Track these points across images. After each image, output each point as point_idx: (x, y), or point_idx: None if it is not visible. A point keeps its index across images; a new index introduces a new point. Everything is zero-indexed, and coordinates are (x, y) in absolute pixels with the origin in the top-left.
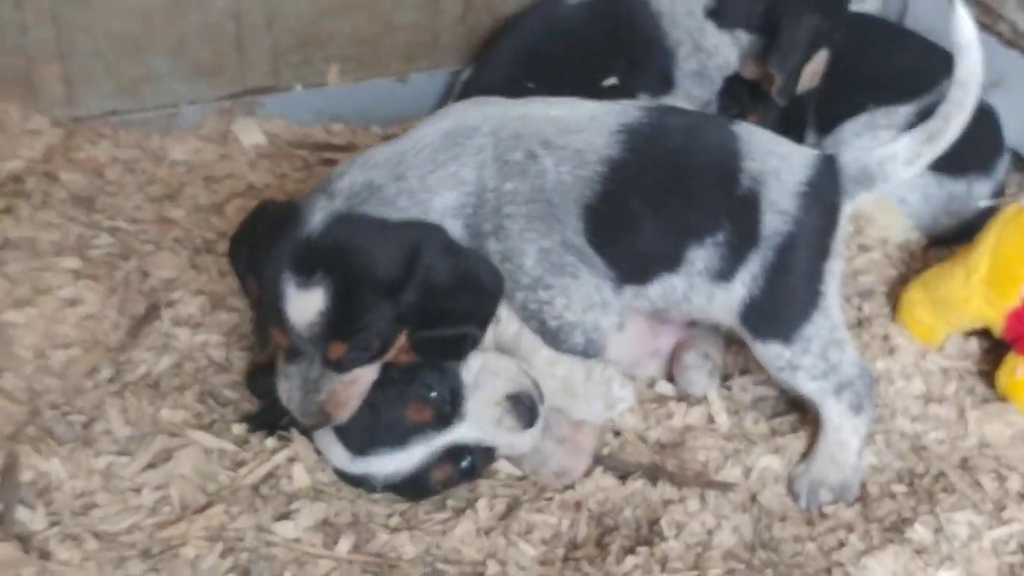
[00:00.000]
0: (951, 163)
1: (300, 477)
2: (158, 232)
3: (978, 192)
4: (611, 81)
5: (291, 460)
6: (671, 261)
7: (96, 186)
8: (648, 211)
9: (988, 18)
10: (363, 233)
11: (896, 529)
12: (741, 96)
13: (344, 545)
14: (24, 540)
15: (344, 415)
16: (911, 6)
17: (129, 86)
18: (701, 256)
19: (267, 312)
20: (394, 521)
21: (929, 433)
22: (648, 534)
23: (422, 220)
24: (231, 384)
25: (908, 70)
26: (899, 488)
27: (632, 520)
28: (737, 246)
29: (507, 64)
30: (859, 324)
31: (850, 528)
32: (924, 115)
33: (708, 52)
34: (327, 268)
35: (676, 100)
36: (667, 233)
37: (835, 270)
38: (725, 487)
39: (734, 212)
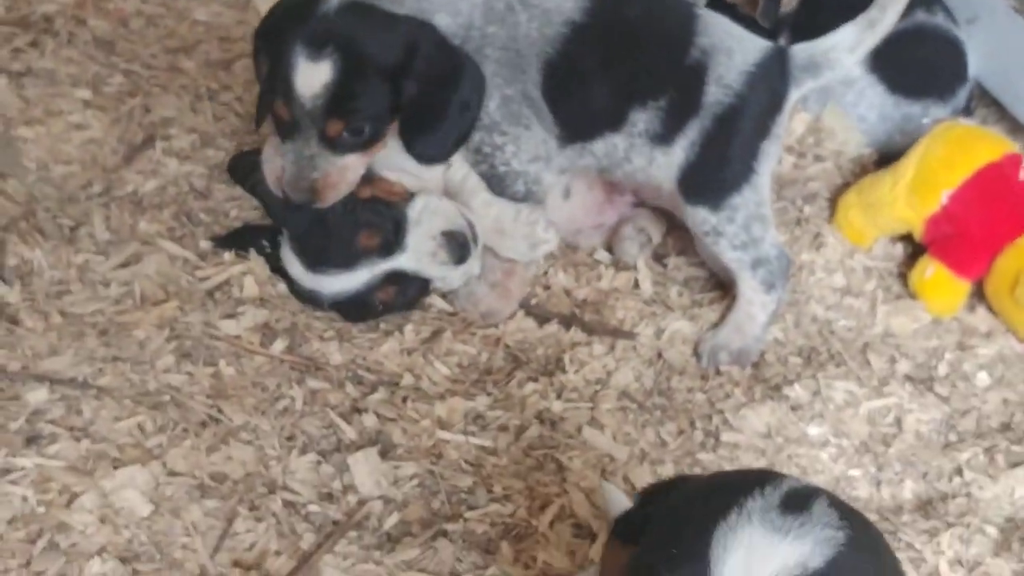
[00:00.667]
0: (911, 86)
1: (250, 287)
2: (167, 78)
3: (934, 116)
4: None
5: (244, 273)
6: (615, 121)
7: (119, 33)
8: (599, 72)
9: None
10: (373, 20)
11: (778, 388)
12: None
13: (279, 346)
14: None
15: (331, 198)
16: None
17: None
18: (643, 119)
19: (275, 84)
20: (328, 333)
21: (839, 321)
22: (553, 368)
23: (422, 19)
24: (207, 209)
25: None
26: (795, 360)
27: (542, 357)
28: (678, 112)
29: None
30: (797, 223)
31: (737, 384)
32: None
33: None
34: (336, 45)
35: None
36: (613, 94)
37: (772, 152)
38: (630, 336)
39: (680, 80)
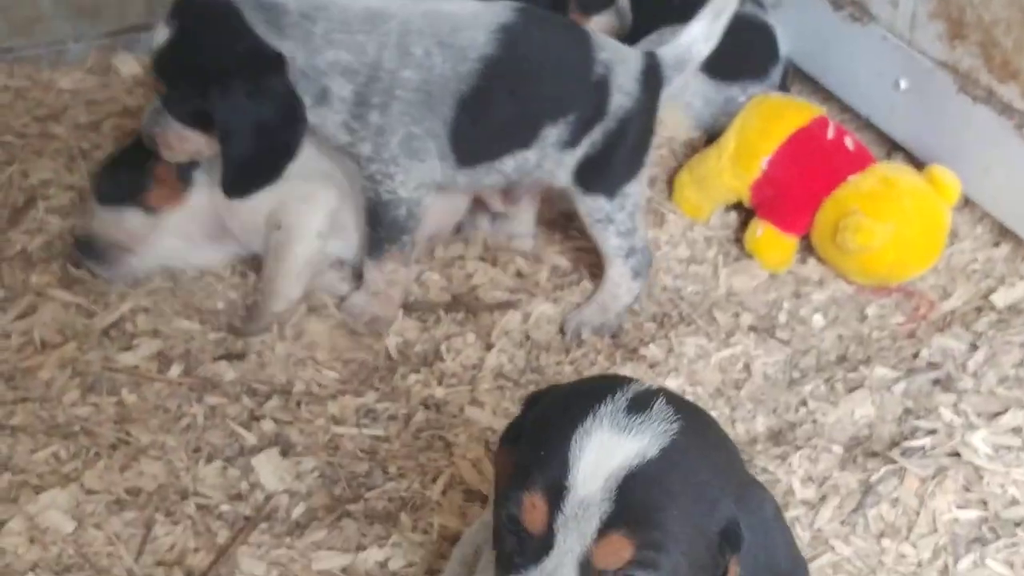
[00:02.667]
0: (729, 71)
1: (143, 323)
2: (41, 144)
3: (752, 94)
4: None
5: (134, 311)
6: (527, 140)
7: None
8: (512, 100)
9: None
10: (226, 17)
11: (636, 351)
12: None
13: (175, 371)
14: None
15: (166, 156)
16: None
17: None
18: (554, 132)
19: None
20: (219, 353)
21: (687, 287)
22: (432, 359)
23: (274, 50)
24: None
25: None
26: (649, 325)
27: (422, 352)
28: (587, 120)
29: None
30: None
31: (599, 352)
32: None
33: None
34: (184, 17)
35: None
36: (525, 117)
37: (651, 146)
38: (502, 312)
39: (588, 94)
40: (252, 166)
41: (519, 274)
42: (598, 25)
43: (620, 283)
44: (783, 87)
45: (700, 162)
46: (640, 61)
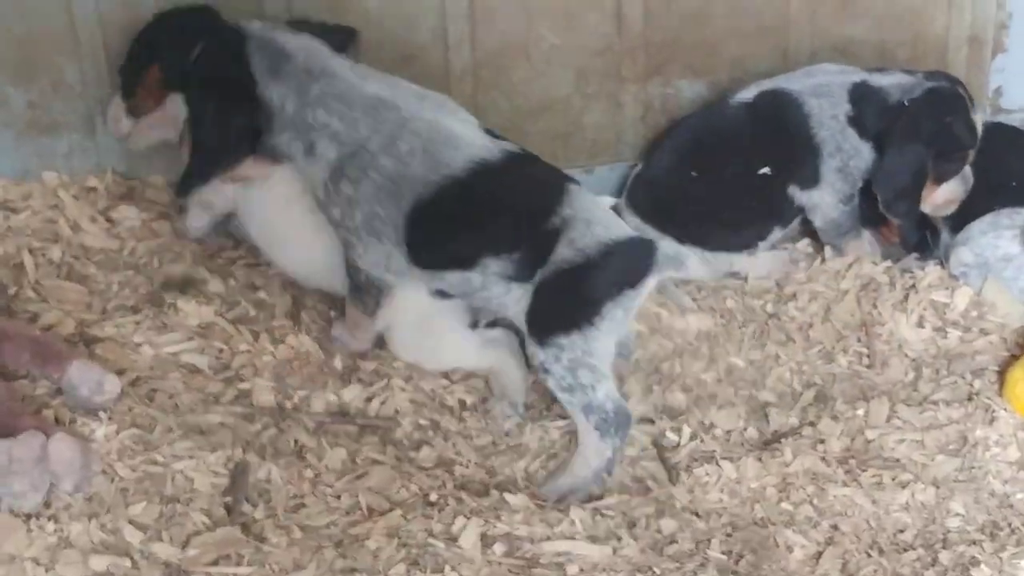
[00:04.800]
0: None
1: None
2: None
3: None
4: (764, 170)
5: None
6: (468, 263)
7: None
8: (462, 221)
9: None
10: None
11: (967, 570)
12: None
13: (498, 550)
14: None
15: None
16: None
17: None
18: (496, 264)
19: None
20: None
21: (1017, 494)
22: None
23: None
24: None
25: None
26: (978, 535)
27: None
28: (529, 263)
29: (674, 154)
30: (968, 398)
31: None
32: None
33: (849, 153)
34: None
35: (823, 193)
36: (470, 243)
37: (617, 316)
38: None
39: (534, 241)
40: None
41: None
42: (945, 193)
43: (587, 442)
44: None
45: None
46: (622, 233)
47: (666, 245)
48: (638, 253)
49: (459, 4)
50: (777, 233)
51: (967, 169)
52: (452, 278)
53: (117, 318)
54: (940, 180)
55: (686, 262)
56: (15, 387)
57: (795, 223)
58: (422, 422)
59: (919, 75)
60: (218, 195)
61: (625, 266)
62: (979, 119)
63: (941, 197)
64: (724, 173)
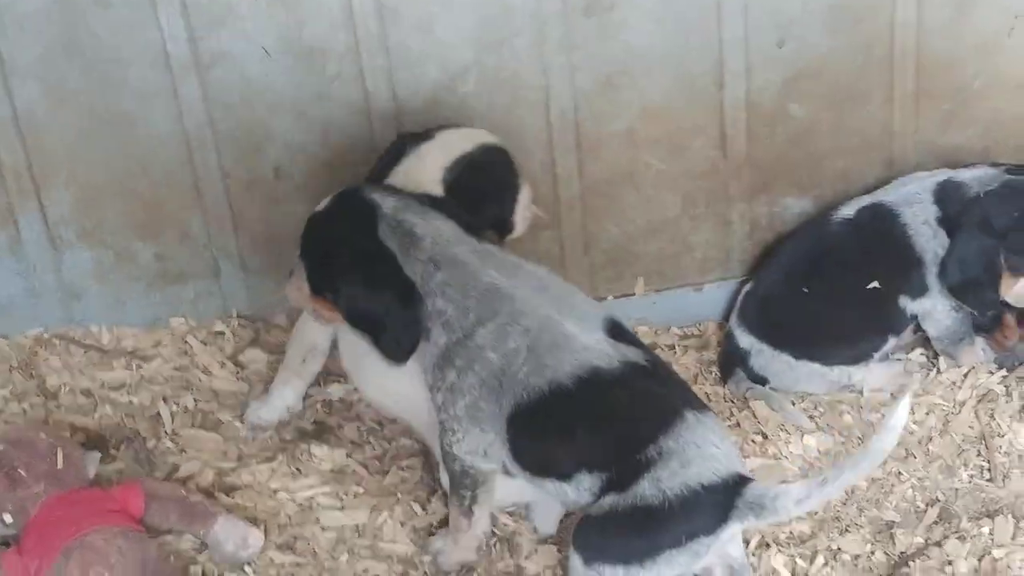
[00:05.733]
0: None
1: None
2: None
3: None
4: (873, 285)
5: None
6: (564, 474)
7: None
8: (560, 435)
9: None
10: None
11: None
12: None
13: None
14: None
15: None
16: None
17: None
18: (587, 480)
19: None
20: None
21: None
22: None
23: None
24: None
25: None
26: None
27: None
28: (615, 484)
29: (782, 273)
30: None
31: None
32: None
33: None
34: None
35: (934, 301)
36: (568, 455)
37: (681, 560)
38: None
39: (628, 467)
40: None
41: None
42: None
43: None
44: None
45: None
46: (714, 478)
47: (753, 487)
48: (720, 500)
49: (567, 137)
50: (891, 342)
51: None
52: (549, 486)
53: (253, 465)
54: (1018, 272)
55: (774, 506)
56: (163, 547)
57: (908, 331)
58: None
59: (1002, 168)
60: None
61: (702, 515)
62: None
63: (1023, 289)
64: (834, 288)
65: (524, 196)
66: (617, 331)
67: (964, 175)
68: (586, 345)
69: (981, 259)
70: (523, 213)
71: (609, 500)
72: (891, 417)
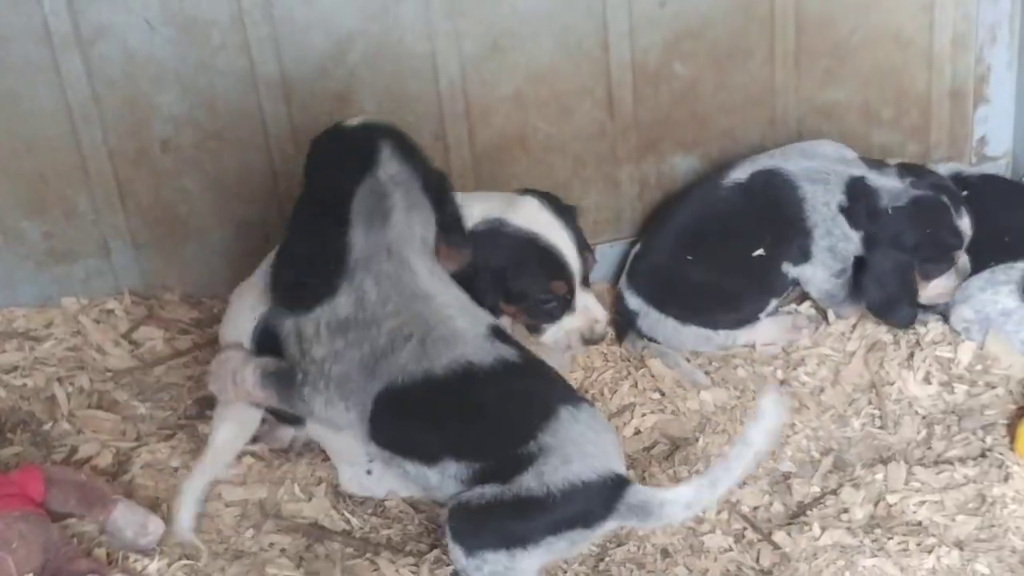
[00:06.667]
0: None
1: None
2: None
3: None
4: (759, 252)
5: None
6: (428, 458)
7: None
8: (433, 428)
9: None
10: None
11: None
12: None
13: None
14: None
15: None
16: None
17: None
18: (454, 468)
19: None
20: None
21: None
22: None
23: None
24: None
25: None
26: None
27: None
28: (486, 477)
29: (670, 239)
30: (982, 454)
31: None
32: None
33: (838, 237)
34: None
35: (815, 268)
36: (437, 444)
37: (559, 547)
38: None
39: (504, 460)
40: None
41: None
42: (938, 287)
43: None
44: None
45: None
46: (595, 476)
47: (636, 491)
48: (602, 498)
49: (456, 105)
50: (773, 304)
51: (964, 259)
52: (410, 467)
53: (152, 443)
54: (929, 278)
55: (661, 512)
56: (66, 529)
57: (790, 291)
58: None
59: (908, 181)
60: None
61: (583, 508)
62: (965, 223)
63: (934, 291)
64: (720, 255)
65: None
66: (499, 333)
67: (877, 181)
68: (466, 340)
69: (897, 275)
70: None
71: (490, 491)
72: (764, 418)
